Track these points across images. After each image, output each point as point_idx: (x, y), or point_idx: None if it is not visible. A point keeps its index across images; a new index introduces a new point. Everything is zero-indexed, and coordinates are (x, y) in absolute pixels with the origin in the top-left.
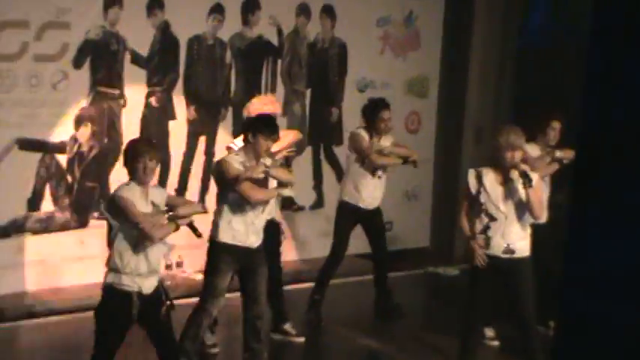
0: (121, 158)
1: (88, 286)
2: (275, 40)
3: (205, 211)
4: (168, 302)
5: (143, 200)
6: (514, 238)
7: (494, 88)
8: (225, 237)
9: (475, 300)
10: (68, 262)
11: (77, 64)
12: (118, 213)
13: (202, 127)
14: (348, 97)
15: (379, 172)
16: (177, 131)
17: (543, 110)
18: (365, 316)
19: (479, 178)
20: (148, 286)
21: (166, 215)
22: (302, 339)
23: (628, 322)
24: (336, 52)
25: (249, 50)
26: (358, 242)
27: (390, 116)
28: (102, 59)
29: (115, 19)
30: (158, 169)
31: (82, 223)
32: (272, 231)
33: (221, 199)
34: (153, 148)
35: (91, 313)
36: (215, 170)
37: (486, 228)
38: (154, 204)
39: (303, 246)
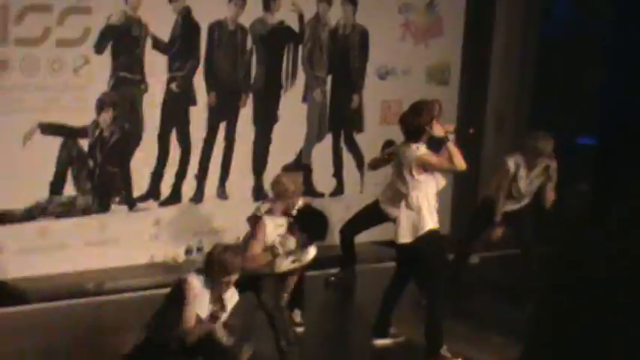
0: (142, 144)
1: (109, 271)
2: (296, 27)
3: None
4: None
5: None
6: None
7: (516, 76)
8: None
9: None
10: (90, 247)
11: (99, 49)
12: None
13: (223, 113)
14: (369, 84)
15: None
16: (198, 117)
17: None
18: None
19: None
20: None
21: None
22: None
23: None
24: (357, 39)
25: (270, 36)
26: (374, 230)
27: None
28: (123, 44)
29: (137, 4)
30: None
31: (104, 208)
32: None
33: None
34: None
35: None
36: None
37: None
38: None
39: None
